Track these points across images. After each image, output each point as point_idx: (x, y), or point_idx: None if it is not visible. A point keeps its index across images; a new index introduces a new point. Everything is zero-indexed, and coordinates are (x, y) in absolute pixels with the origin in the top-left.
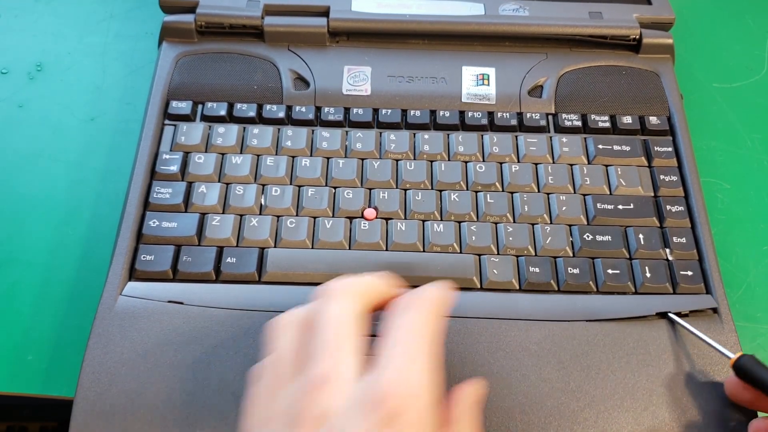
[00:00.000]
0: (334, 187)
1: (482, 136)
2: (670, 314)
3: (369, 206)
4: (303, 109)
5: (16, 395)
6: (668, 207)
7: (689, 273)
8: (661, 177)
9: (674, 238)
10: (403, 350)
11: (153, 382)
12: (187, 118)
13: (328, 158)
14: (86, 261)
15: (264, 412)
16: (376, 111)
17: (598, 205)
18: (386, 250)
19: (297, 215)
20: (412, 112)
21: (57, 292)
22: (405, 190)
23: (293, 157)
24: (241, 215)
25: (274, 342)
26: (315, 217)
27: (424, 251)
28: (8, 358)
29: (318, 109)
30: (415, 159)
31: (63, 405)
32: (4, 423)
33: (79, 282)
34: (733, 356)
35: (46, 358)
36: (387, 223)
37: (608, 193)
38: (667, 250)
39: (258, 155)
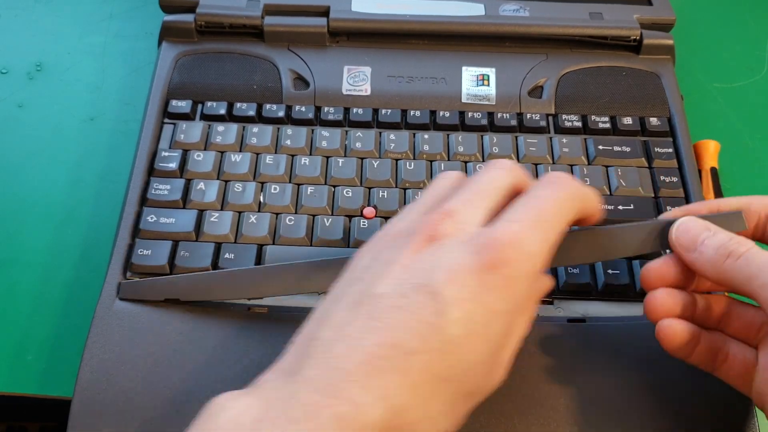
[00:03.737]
0: (334, 186)
1: (482, 136)
2: None
3: (368, 205)
4: (303, 109)
5: (16, 395)
6: (668, 208)
7: None
8: (662, 178)
9: None
10: (532, 215)
11: (151, 380)
12: (186, 117)
13: (327, 157)
14: (85, 261)
15: (391, 228)
16: (375, 111)
17: None
18: None
19: (296, 213)
20: (411, 113)
21: (56, 292)
22: (404, 189)
23: (293, 155)
24: (240, 212)
25: (428, 187)
26: (314, 215)
27: None
28: (7, 358)
29: (318, 108)
30: (414, 159)
31: (63, 405)
32: (3, 423)
33: (78, 282)
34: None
35: (46, 358)
36: (386, 221)
37: (608, 193)
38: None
39: (257, 153)
